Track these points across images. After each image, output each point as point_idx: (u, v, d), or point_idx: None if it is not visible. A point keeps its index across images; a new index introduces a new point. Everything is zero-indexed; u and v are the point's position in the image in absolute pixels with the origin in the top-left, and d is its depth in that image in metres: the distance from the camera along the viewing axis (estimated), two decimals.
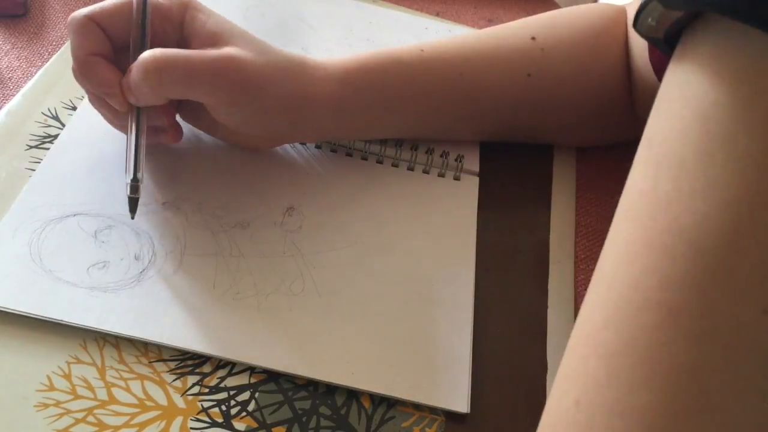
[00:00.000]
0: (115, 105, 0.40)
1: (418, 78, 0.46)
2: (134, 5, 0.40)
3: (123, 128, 0.42)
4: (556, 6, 0.73)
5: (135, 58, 0.39)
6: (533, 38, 0.49)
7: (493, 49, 0.48)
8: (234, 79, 0.39)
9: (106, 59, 0.39)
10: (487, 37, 0.49)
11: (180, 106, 0.45)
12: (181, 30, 0.41)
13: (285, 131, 0.44)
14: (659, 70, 0.46)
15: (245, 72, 0.39)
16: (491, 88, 0.48)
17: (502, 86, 0.48)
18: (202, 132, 0.47)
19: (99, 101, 0.41)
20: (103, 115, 0.43)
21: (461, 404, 0.38)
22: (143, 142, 0.40)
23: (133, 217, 0.40)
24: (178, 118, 0.45)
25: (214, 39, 0.40)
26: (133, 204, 0.40)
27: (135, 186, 0.40)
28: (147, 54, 0.38)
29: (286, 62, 0.42)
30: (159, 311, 0.38)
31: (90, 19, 0.39)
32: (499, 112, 0.49)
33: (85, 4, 0.55)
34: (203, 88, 0.39)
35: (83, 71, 0.39)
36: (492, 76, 0.48)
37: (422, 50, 0.47)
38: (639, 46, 0.49)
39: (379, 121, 0.47)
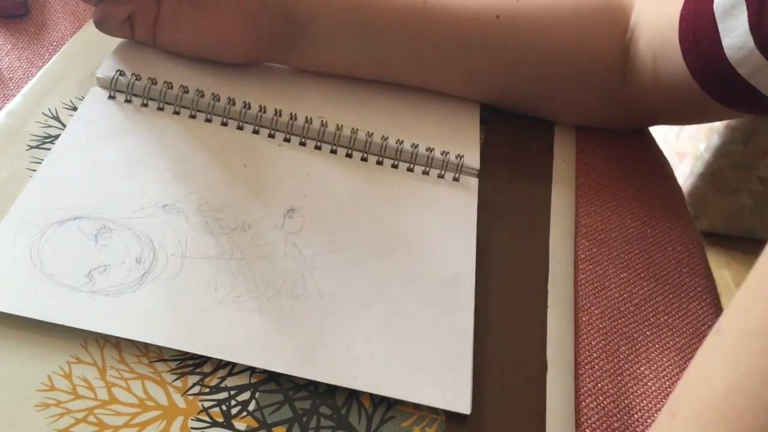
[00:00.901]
0: None
1: (394, 20, 0.49)
2: None
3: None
4: None
5: None
6: None
7: None
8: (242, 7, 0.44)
9: None
10: None
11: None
12: None
13: (262, 43, 0.49)
14: (689, 54, 0.47)
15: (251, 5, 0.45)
16: (457, 24, 0.49)
17: (468, 19, 0.49)
18: (202, 134, 0.47)
19: None
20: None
21: (463, 405, 0.38)
22: None
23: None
24: None
25: None
26: None
27: None
28: None
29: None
30: (161, 315, 0.38)
31: None
32: (472, 55, 0.50)
33: (87, 5, 0.55)
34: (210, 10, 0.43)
35: None
36: (460, 14, 0.49)
37: None
38: (654, 31, 0.50)
39: (354, 59, 0.51)
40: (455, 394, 0.38)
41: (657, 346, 0.44)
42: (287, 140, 0.49)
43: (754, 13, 0.43)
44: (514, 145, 0.53)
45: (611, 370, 0.42)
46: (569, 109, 0.55)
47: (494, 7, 0.50)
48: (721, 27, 0.45)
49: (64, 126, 0.46)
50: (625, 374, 0.43)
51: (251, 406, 0.36)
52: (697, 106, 0.50)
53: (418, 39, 0.50)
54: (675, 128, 1.62)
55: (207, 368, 0.37)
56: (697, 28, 0.46)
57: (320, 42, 0.50)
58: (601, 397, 0.41)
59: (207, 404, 0.36)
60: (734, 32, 0.44)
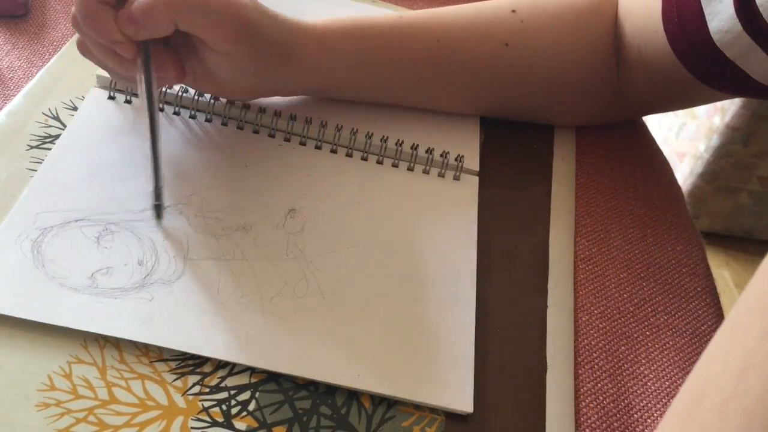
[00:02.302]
0: (123, 52, 0.41)
1: (395, 43, 0.48)
2: None
3: (129, 79, 0.43)
4: None
5: None
6: (513, 11, 0.50)
7: (472, 18, 0.50)
8: (237, 17, 0.42)
9: (112, 7, 0.40)
10: (466, 8, 0.50)
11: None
12: None
13: (269, 81, 0.47)
14: (675, 39, 0.47)
15: (246, 15, 0.42)
16: (468, 56, 0.49)
17: (478, 54, 0.50)
18: (202, 134, 0.47)
19: (103, 50, 0.42)
20: (106, 65, 0.44)
21: (465, 404, 0.38)
22: (161, 147, 0.42)
23: (159, 222, 0.42)
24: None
25: None
26: (158, 211, 0.42)
27: (158, 193, 0.42)
28: None
29: (274, 16, 0.45)
30: (164, 316, 0.38)
31: None
32: (478, 81, 0.51)
33: None
34: (209, 22, 0.42)
35: (90, 20, 0.40)
36: (468, 43, 0.49)
37: (401, 17, 0.49)
38: (636, 19, 0.50)
39: (358, 82, 0.49)
40: (457, 393, 0.38)
41: (657, 346, 0.44)
42: (287, 140, 0.49)
43: None
44: (514, 145, 0.53)
45: (611, 370, 0.42)
46: (567, 111, 0.55)
47: (502, 35, 0.49)
48: (706, 11, 0.44)
49: (64, 126, 0.46)
50: (625, 374, 0.43)
51: (251, 406, 0.36)
52: (687, 90, 0.50)
53: (433, 78, 0.50)
54: (675, 128, 1.62)
55: (207, 368, 0.37)
56: (682, 12, 0.46)
57: (325, 77, 0.48)
58: (601, 397, 0.41)
59: (207, 404, 0.36)
60: (719, 15, 0.44)
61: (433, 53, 0.49)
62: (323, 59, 0.47)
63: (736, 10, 0.43)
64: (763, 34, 0.42)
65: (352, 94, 0.50)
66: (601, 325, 0.45)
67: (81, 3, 0.40)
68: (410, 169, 0.49)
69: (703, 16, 0.45)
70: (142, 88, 0.42)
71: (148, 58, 0.42)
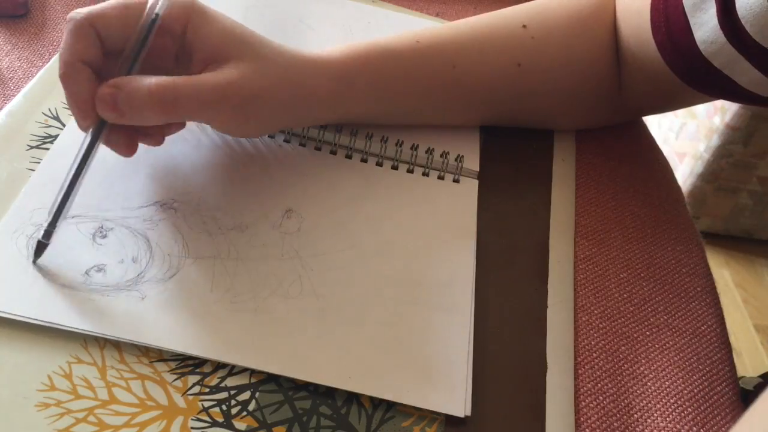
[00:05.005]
0: (78, 120, 0.39)
1: (412, 71, 0.48)
2: (143, 19, 0.39)
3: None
4: None
5: (125, 70, 0.39)
6: (524, 26, 0.50)
7: (486, 40, 0.49)
8: (236, 103, 0.41)
9: (92, 68, 0.39)
10: (480, 26, 0.50)
11: None
12: (182, 40, 0.41)
13: (285, 123, 0.47)
14: (664, 48, 0.47)
15: (246, 94, 0.41)
16: (483, 79, 0.50)
17: (493, 77, 0.50)
18: (201, 133, 0.47)
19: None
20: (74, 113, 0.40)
21: (459, 408, 0.38)
22: (76, 190, 0.39)
23: (34, 262, 0.38)
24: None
25: (217, 54, 0.41)
26: (39, 248, 0.38)
27: (48, 232, 0.38)
28: (157, 82, 0.38)
29: (284, 70, 0.43)
30: (157, 314, 0.38)
31: (89, 22, 0.38)
32: (491, 101, 0.51)
33: (86, 5, 0.55)
34: (208, 114, 0.41)
35: (66, 77, 0.38)
36: (484, 67, 0.49)
37: (417, 41, 0.48)
38: (629, 27, 0.50)
39: (373, 111, 0.49)
40: (451, 397, 0.38)
41: (657, 346, 0.44)
42: (287, 141, 0.49)
43: (721, 8, 0.43)
44: (514, 146, 0.53)
45: (611, 370, 0.42)
46: (571, 119, 0.55)
47: (515, 55, 0.49)
48: (692, 21, 0.45)
49: (64, 125, 0.46)
50: (625, 374, 0.43)
51: (251, 406, 0.36)
52: (680, 94, 0.51)
53: (447, 102, 0.50)
54: (675, 128, 1.62)
55: (207, 368, 0.37)
56: (670, 22, 0.46)
57: (341, 111, 0.47)
58: (601, 397, 0.41)
59: (207, 404, 0.36)
60: (704, 26, 0.44)
61: (448, 78, 0.49)
62: (338, 95, 0.46)
63: (719, 22, 0.43)
64: (746, 45, 0.43)
65: (365, 121, 0.49)
66: (601, 325, 0.45)
67: (63, 56, 0.38)
68: (410, 171, 0.49)
69: (689, 26, 0.45)
70: (80, 146, 0.39)
71: (100, 132, 0.39)
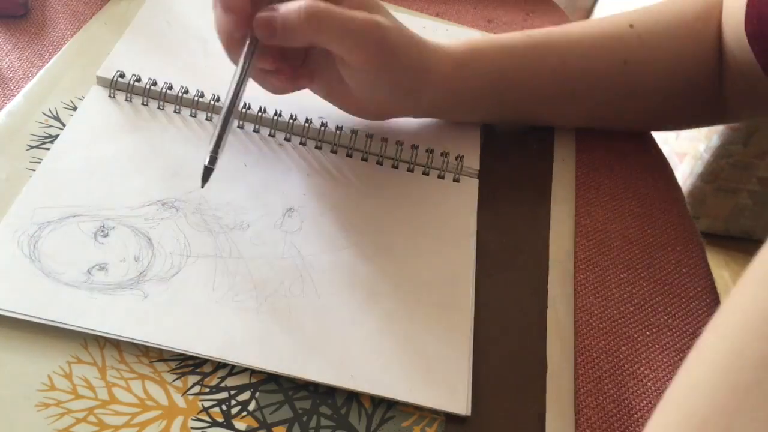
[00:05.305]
0: (232, 26, 0.42)
1: (527, 64, 0.50)
2: None
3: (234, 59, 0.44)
4: (556, 6, 0.73)
5: None
6: (631, 26, 0.51)
7: (595, 37, 0.51)
8: (377, 41, 0.43)
9: None
10: (589, 26, 0.52)
11: (304, 63, 0.47)
12: None
13: (403, 100, 0.48)
14: (754, 39, 0.48)
15: (386, 38, 0.43)
16: (590, 74, 0.51)
17: (599, 72, 0.51)
18: (202, 133, 0.47)
19: (222, 24, 0.43)
20: (222, 35, 0.43)
21: (461, 406, 0.38)
22: (234, 117, 0.42)
23: (202, 186, 0.41)
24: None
25: (362, 5, 0.43)
26: (206, 173, 0.41)
27: (213, 158, 0.41)
28: (310, 2, 0.40)
29: (414, 39, 0.46)
30: (159, 313, 0.38)
31: None
32: (595, 97, 0.52)
33: (86, 5, 0.55)
34: (350, 43, 0.42)
35: None
36: (592, 63, 0.51)
37: (529, 36, 0.50)
38: (732, 23, 0.50)
39: (485, 103, 0.51)
40: (453, 395, 0.38)
41: (657, 346, 0.44)
42: (287, 140, 0.49)
43: None
44: (514, 146, 0.53)
45: (611, 371, 0.42)
46: (671, 119, 0.56)
47: (622, 53, 0.51)
48: None
49: (64, 126, 0.46)
50: (625, 374, 0.43)
51: (251, 406, 0.36)
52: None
53: (555, 96, 0.52)
54: None
55: (207, 368, 0.37)
56: (761, 13, 0.47)
57: (459, 98, 0.50)
58: (601, 398, 0.41)
59: (207, 404, 0.36)
60: None
61: (558, 73, 0.50)
62: (459, 80, 0.48)
63: None
64: None
65: (477, 116, 0.52)
66: (601, 325, 0.45)
67: None
68: (410, 170, 0.49)
69: None
70: (234, 73, 0.42)
71: (253, 53, 0.42)
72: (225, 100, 0.41)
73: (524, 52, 0.50)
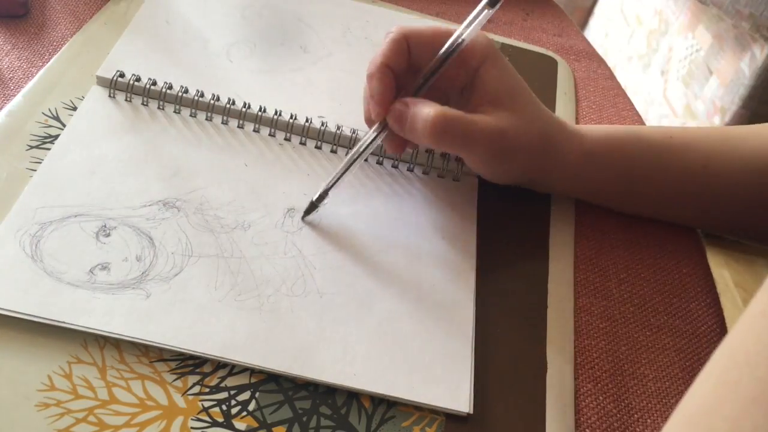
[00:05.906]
0: (372, 111, 0.44)
1: (663, 163, 0.48)
2: (448, 43, 0.43)
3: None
4: (555, 7, 0.73)
5: (420, 87, 0.44)
6: None
7: (738, 145, 0.49)
8: (497, 148, 0.44)
9: (395, 74, 0.44)
10: (732, 132, 0.50)
11: None
12: (473, 76, 0.45)
13: (526, 181, 0.49)
14: None
15: (509, 144, 0.44)
16: (731, 183, 0.48)
17: (741, 182, 0.48)
18: (202, 133, 0.47)
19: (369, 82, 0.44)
20: (366, 113, 0.47)
21: (463, 405, 0.38)
22: (356, 167, 0.44)
23: (303, 218, 0.44)
24: None
25: (496, 100, 0.44)
26: (310, 208, 0.44)
27: (322, 196, 0.44)
28: (437, 113, 0.42)
29: (544, 133, 0.46)
30: (161, 313, 0.38)
31: (405, 36, 0.44)
32: (732, 207, 0.50)
33: (86, 5, 0.55)
34: (470, 150, 0.44)
35: (372, 76, 0.43)
36: (734, 172, 0.48)
37: (671, 137, 0.48)
38: None
39: (611, 194, 0.50)
40: (455, 394, 0.38)
41: (657, 346, 0.44)
42: (287, 139, 0.49)
43: None
44: None
45: (611, 371, 0.42)
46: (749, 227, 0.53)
47: (762, 161, 0.48)
48: None
49: (64, 126, 0.46)
50: (625, 374, 0.43)
51: (251, 406, 0.36)
52: None
53: (688, 201, 0.50)
54: None
55: (207, 368, 0.37)
56: None
57: (584, 185, 0.50)
58: (601, 398, 0.41)
59: (207, 404, 0.36)
60: None
61: (697, 177, 0.48)
62: (587, 170, 0.48)
63: None
64: None
65: (601, 202, 0.51)
66: (601, 326, 0.45)
67: (374, 59, 0.43)
68: (410, 170, 0.49)
69: None
70: (364, 139, 0.44)
71: (382, 130, 0.44)
72: (352, 153, 0.44)
73: (658, 149, 0.48)
